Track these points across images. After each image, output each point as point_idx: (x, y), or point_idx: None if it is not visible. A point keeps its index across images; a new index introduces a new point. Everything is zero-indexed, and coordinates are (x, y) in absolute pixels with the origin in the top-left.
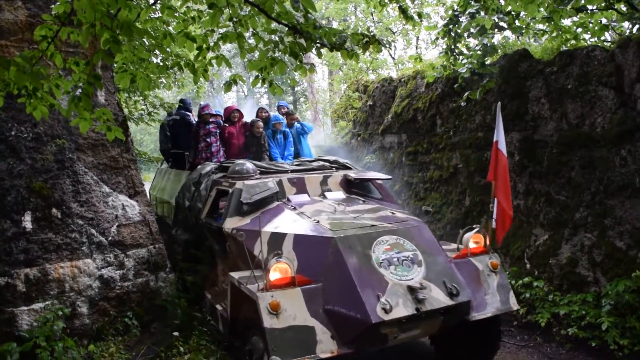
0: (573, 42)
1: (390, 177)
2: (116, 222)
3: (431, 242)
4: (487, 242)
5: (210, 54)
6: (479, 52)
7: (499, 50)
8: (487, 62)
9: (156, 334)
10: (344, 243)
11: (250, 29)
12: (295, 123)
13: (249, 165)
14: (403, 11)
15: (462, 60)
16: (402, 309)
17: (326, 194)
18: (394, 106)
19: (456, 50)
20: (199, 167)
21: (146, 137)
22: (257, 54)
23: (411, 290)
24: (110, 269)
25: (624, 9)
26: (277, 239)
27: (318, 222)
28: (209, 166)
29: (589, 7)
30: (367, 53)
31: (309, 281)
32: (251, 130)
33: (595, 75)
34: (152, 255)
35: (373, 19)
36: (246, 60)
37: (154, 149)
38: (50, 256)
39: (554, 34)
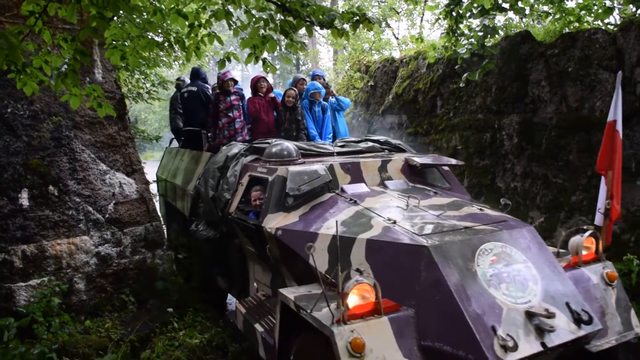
0: (576, 24)
1: (463, 162)
2: (113, 200)
3: (543, 251)
4: (600, 248)
5: (202, 31)
6: (479, 33)
7: (501, 32)
8: (489, 44)
9: (152, 310)
10: (440, 253)
11: (243, 6)
12: (330, 97)
13: (290, 146)
14: None
15: (462, 41)
16: (526, 346)
17: (387, 182)
18: (394, 87)
19: (457, 31)
20: (224, 148)
21: (150, 115)
22: (250, 31)
23: (529, 316)
24: (107, 246)
25: None
26: (342, 245)
27: (395, 222)
28: (237, 147)
29: None
30: (371, 32)
31: (395, 306)
32: (283, 102)
33: (597, 59)
34: (149, 232)
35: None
36: (239, 38)
37: (158, 128)
38: (47, 233)
39: (557, 16)
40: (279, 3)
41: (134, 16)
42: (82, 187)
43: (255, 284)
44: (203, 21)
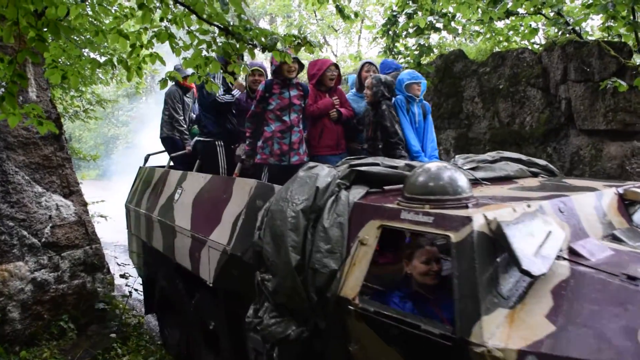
0: (505, 44)
1: None
2: (50, 223)
3: None
4: None
5: (144, 52)
6: (415, 52)
7: (436, 50)
8: (425, 62)
9: (93, 336)
10: None
11: (185, 27)
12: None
13: (456, 174)
14: (340, 10)
15: (400, 59)
16: None
17: (616, 232)
18: None
19: (395, 50)
20: (305, 174)
21: (85, 133)
22: (192, 51)
23: None
24: (44, 272)
25: (552, 14)
26: None
27: None
28: (326, 172)
29: (520, 10)
30: (310, 53)
31: None
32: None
33: (525, 77)
34: (88, 256)
35: (316, 16)
36: (181, 58)
37: (93, 146)
38: None
39: (488, 36)
40: (222, 27)
41: (74, 37)
42: (15, 210)
43: None
44: (145, 42)
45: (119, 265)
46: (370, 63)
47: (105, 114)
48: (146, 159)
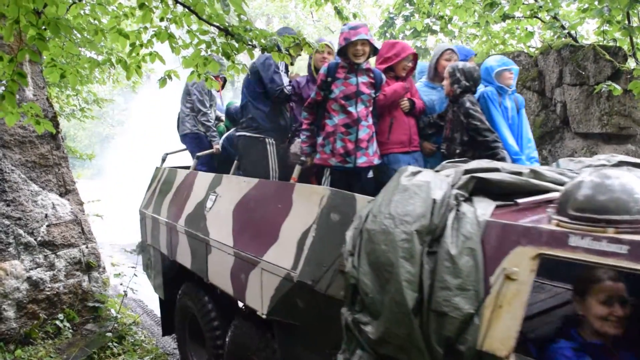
0: (502, 47)
1: None
2: (46, 222)
3: None
4: None
5: (144, 51)
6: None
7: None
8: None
9: (89, 335)
10: None
11: (186, 26)
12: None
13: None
14: (338, 12)
15: None
16: None
17: None
18: None
19: None
20: (411, 182)
21: (80, 132)
22: (192, 50)
23: None
24: (39, 270)
25: (548, 18)
26: None
27: None
28: (439, 180)
29: (516, 14)
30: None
31: None
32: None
33: (520, 80)
34: (84, 255)
35: (313, 17)
36: (181, 56)
37: (88, 145)
38: None
39: (484, 39)
40: (222, 27)
41: (73, 36)
42: (11, 209)
43: None
44: (144, 41)
45: (115, 264)
46: (452, 50)
47: (100, 113)
48: (164, 159)
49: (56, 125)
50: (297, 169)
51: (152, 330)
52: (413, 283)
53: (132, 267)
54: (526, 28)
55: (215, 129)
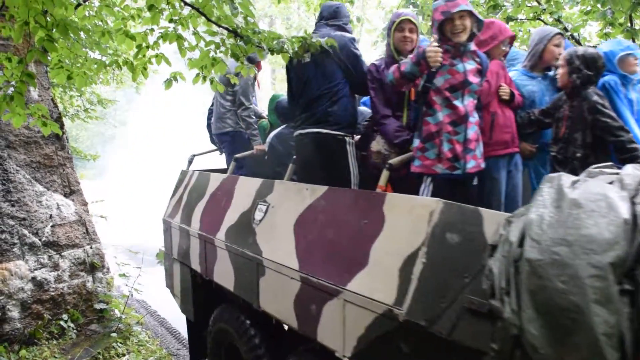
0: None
1: None
2: (50, 222)
3: None
4: None
5: (150, 52)
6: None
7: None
8: None
9: (93, 335)
10: None
11: (192, 28)
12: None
13: None
14: None
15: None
16: None
17: None
18: None
19: None
20: (582, 194)
21: (82, 132)
22: (197, 52)
23: None
24: (44, 271)
25: (551, 20)
26: None
27: None
28: (615, 190)
29: (520, 16)
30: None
31: None
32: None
33: None
34: (88, 255)
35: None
36: (186, 58)
37: (90, 146)
38: None
39: None
40: (231, 29)
41: (81, 38)
42: (16, 209)
43: None
44: (151, 43)
45: (119, 265)
46: (561, 34)
47: (102, 113)
48: (190, 161)
49: (61, 126)
50: (385, 174)
51: (155, 331)
52: (613, 338)
53: (138, 268)
54: (529, 30)
55: (256, 126)
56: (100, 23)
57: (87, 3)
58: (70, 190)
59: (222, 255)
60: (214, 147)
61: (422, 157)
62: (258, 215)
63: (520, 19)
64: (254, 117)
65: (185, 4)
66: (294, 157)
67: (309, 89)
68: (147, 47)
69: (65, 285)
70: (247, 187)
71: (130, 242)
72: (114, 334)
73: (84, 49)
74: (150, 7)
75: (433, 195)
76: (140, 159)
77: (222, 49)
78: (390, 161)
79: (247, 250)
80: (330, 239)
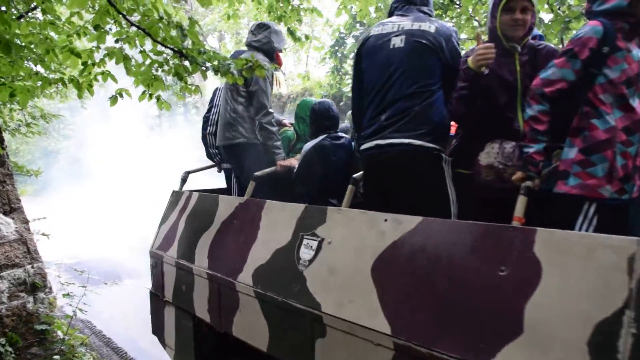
0: None
1: None
2: None
3: None
4: None
5: (96, 69)
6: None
7: None
8: None
9: (34, 359)
10: None
11: (139, 46)
12: None
13: None
14: (291, 32)
15: (347, 79)
16: None
17: None
18: None
19: (342, 70)
20: None
21: (23, 146)
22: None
23: None
24: None
25: None
26: None
27: None
28: None
29: (462, 36)
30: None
31: None
32: None
33: None
34: (29, 275)
35: None
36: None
37: (31, 160)
38: None
39: None
40: (176, 49)
41: (25, 55)
42: None
43: None
44: (97, 60)
45: (62, 284)
46: None
47: (45, 127)
48: (184, 179)
49: (1, 141)
50: (522, 200)
51: (101, 352)
52: None
53: (83, 287)
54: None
55: (278, 136)
56: (45, 40)
57: (29, 15)
58: (11, 208)
59: (247, 304)
60: (211, 163)
61: (582, 174)
62: (306, 253)
63: (462, 39)
64: (275, 125)
65: (132, 24)
66: (353, 176)
67: (399, 84)
68: (93, 64)
69: (3, 307)
70: (280, 214)
71: (74, 259)
72: (56, 357)
73: (26, 64)
74: (96, 27)
75: (600, 227)
76: (84, 173)
77: (166, 67)
78: (527, 183)
79: (292, 301)
80: (439, 291)
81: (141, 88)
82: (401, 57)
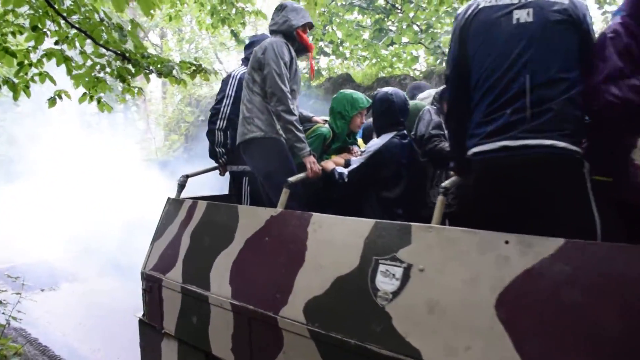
0: (390, 69)
1: None
2: None
3: None
4: None
5: (33, 70)
6: (306, 75)
7: (324, 73)
8: (315, 84)
9: None
10: None
11: (79, 47)
12: None
13: None
14: (235, 35)
15: None
16: None
17: None
18: None
19: None
20: None
21: None
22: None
23: None
24: None
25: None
26: None
27: None
28: None
29: (403, 39)
30: (205, 80)
31: None
32: None
33: None
34: None
35: (208, 32)
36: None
37: None
38: None
39: (374, 61)
40: (119, 52)
41: None
42: None
43: None
44: (34, 60)
45: None
46: None
47: None
48: (182, 184)
49: None
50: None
51: None
52: None
53: (17, 294)
54: (412, 53)
55: (300, 126)
56: None
57: None
58: None
59: (296, 346)
60: (214, 165)
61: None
62: (386, 283)
63: (404, 42)
64: (296, 112)
65: (72, 26)
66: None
67: (530, 69)
68: (30, 64)
69: None
70: (338, 232)
71: (7, 264)
72: None
73: None
74: (35, 28)
75: None
76: (18, 172)
77: (108, 70)
78: None
79: (372, 345)
80: (608, 335)
81: (81, 89)
82: (531, 34)
